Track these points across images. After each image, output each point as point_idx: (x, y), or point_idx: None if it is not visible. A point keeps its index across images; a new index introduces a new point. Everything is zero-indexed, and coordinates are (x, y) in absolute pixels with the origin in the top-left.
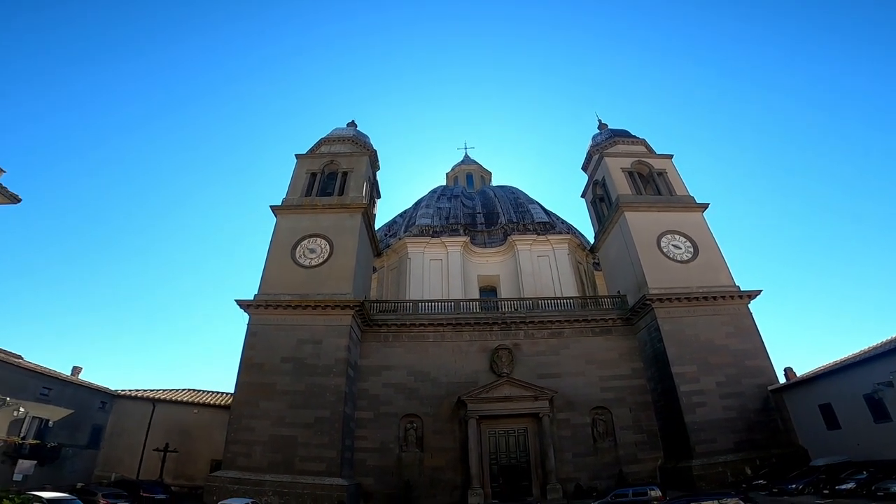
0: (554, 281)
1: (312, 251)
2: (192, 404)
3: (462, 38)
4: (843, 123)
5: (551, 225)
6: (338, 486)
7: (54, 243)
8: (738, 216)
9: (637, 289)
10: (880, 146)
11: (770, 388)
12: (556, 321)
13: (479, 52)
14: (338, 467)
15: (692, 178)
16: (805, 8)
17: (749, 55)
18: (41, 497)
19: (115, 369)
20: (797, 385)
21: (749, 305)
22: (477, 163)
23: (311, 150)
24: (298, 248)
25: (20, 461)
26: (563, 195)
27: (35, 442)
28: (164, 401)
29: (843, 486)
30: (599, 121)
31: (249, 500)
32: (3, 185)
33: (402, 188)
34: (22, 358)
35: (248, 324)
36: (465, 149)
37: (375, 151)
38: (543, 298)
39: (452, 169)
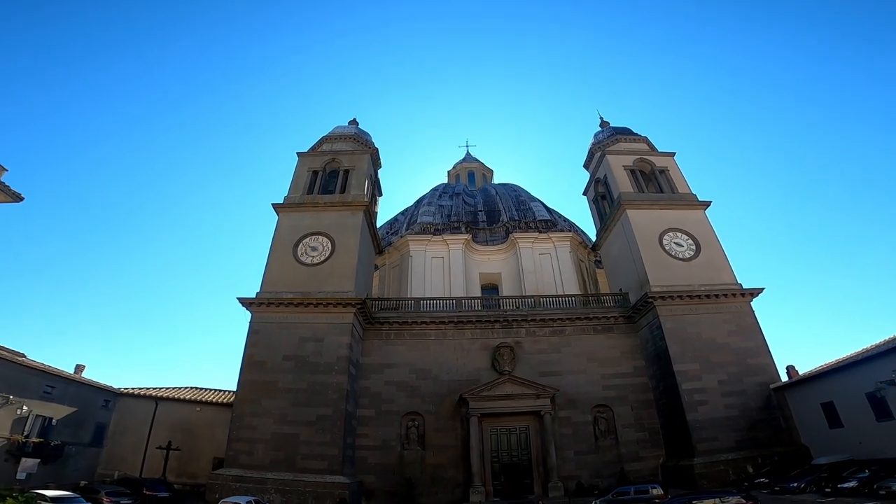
0: (556, 279)
1: (314, 249)
2: (195, 402)
3: (463, 35)
4: (845, 121)
5: (553, 223)
6: (339, 484)
7: (57, 241)
8: (740, 214)
9: (639, 286)
10: (883, 144)
11: (772, 386)
12: (558, 319)
13: (481, 49)
14: (339, 465)
15: (694, 175)
16: (806, 6)
17: (750, 53)
18: (45, 495)
19: (118, 367)
20: (799, 383)
21: (751, 303)
22: (478, 160)
23: (313, 148)
24: (300, 246)
25: (23, 459)
26: (565, 193)
27: (38, 440)
28: (167, 399)
29: (846, 485)
30: (601, 118)
31: (252, 498)
32: (6, 183)
33: (403, 186)
34: (25, 356)
35: (250, 322)
36: (467, 146)
37: (377, 149)
38: (545, 296)
39: (454, 167)
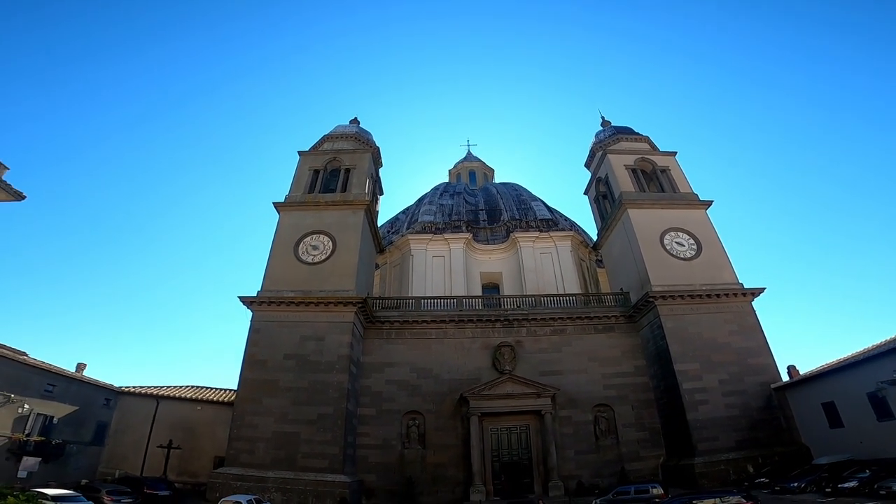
0: (556, 278)
1: (315, 248)
2: (196, 401)
3: (464, 34)
4: (846, 121)
5: (554, 222)
6: (340, 483)
7: (58, 240)
8: (741, 213)
9: (640, 286)
10: (884, 144)
11: (773, 386)
12: (559, 318)
13: (482, 48)
14: (340, 464)
15: (696, 175)
16: (808, 6)
17: (752, 53)
18: (46, 494)
19: (119, 366)
20: (800, 383)
21: (752, 303)
22: (480, 160)
23: (314, 147)
24: (301, 245)
25: (25, 458)
26: (566, 192)
27: (40, 439)
28: (168, 397)
29: (846, 485)
30: (603, 118)
31: (252, 497)
32: (7, 182)
33: (404, 185)
34: (26, 355)
35: (251, 320)
36: (468, 146)
37: (378, 148)
38: (546, 295)
39: (455, 166)
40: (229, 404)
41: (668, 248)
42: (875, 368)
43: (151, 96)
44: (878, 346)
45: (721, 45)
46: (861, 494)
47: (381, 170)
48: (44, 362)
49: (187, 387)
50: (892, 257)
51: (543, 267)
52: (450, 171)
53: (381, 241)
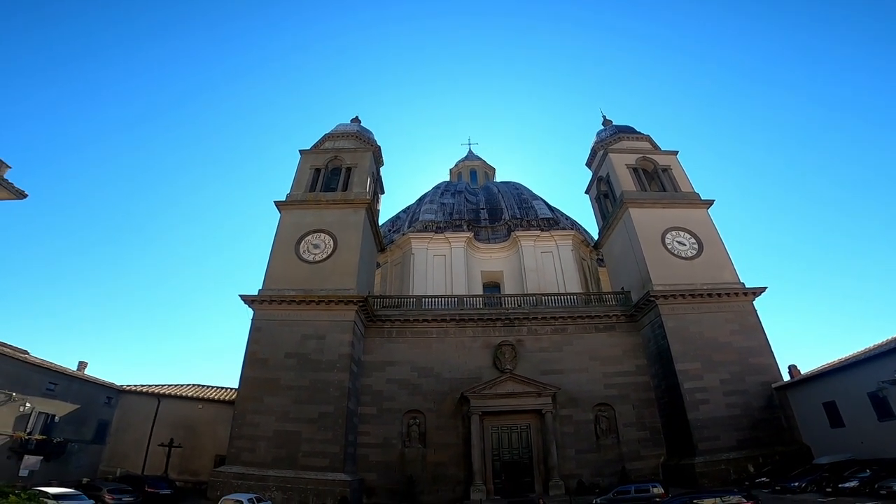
0: (557, 277)
1: (316, 246)
2: (197, 399)
3: (465, 33)
4: (848, 120)
5: (555, 221)
6: (341, 482)
7: (59, 239)
8: (742, 213)
9: (641, 285)
10: (885, 143)
11: (774, 385)
12: (560, 317)
13: (483, 47)
14: (341, 463)
15: (697, 174)
16: (808, 5)
17: (754, 52)
18: (47, 492)
19: (121, 365)
20: (801, 383)
21: (753, 302)
22: (481, 159)
23: (315, 146)
24: (302, 244)
25: (26, 456)
26: (567, 192)
27: (41, 437)
28: (169, 396)
29: (847, 485)
30: (604, 117)
31: (253, 496)
32: (9, 180)
33: (405, 184)
34: (28, 353)
35: (252, 319)
36: (469, 145)
37: (379, 147)
38: (547, 294)
39: (456, 165)
40: (230, 403)
41: (669, 247)
42: (876, 368)
43: (152, 95)
44: (879, 346)
45: (722, 44)
46: (862, 494)
47: (382, 169)
48: (45, 361)
49: (188, 385)
50: (892, 257)
51: (544, 266)
52: (451, 170)
53: (383, 239)
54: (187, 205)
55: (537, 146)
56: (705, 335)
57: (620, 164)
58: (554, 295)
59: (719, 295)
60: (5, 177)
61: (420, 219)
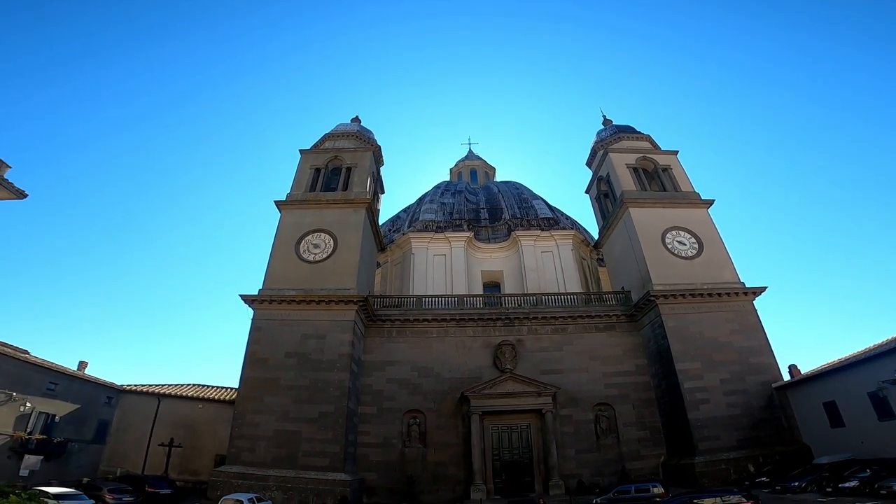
0: (558, 277)
1: (317, 246)
2: (197, 399)
3: (465, 33)
4: (848, 120)
5: (555, 220)
6: (341, 482)
7: (60, 238)
8: (743, 213)
9: (641, 285)
10: (886, 143)
11: (774, 385)
12: (560, 317)
13: (483, 47)
14: (341, 462)
15: (697, 174)
16: (809, 5)
17: (754, 51)
18: (48, 492)
19: (121, 364)
20: (801, 382)
21: (754, 302)
22: (481, 158)
23: (316, 146)
24: (303, 244)
25: (26, 456)
26: (567, 191)
27: (41, 437)
28: (170, 396)
29: (847, 485)
30: (604, 116)
31: (253, 495)
32: (9, 180)
33: (405, 184)
34: (28, 353)
35: (252, 319)
36: (469, 144)
37: (379, 147)
38: (547, 294)
39: (456, 164)
40: (230, 402)
41: (669, 247)
42: (876, 368)
43: (152, 95)
44: (880, 346)
45: (722, 44)
46: (862, 494)
47: (382, 168)
48: (45, 360)
49: (188, 385)
50: (892, 257)
51: (544, 266)
52: (451, 169)
53: (383, 239)
54: (187, 205)
55: (537, 146)
56: (705, 335)
57: (620, 163)
58: (554, 295)
59: (719, 295)
60: (5, 176)
61: (420, 218)
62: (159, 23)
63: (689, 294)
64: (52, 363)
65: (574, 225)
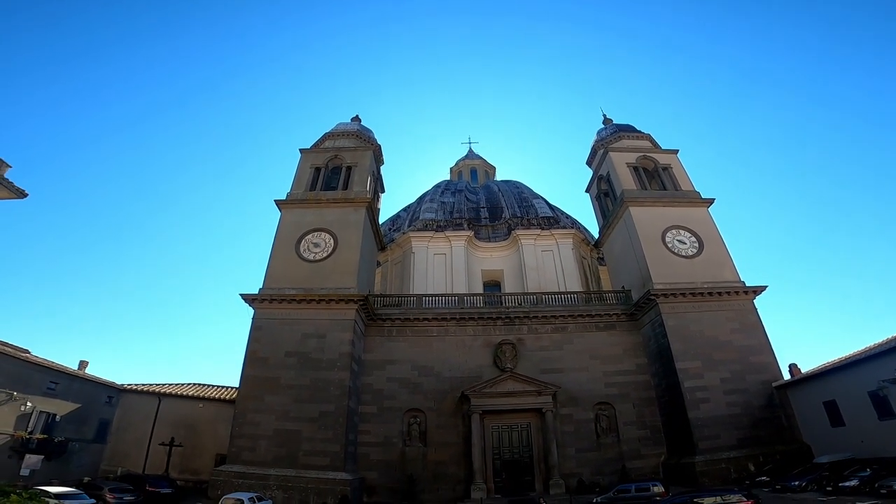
0: (558, 276)
1: (317, 245)
2: (198, 399)
3: (466, 31)
4: (848, 119)
5: (555, 220)
6: (341, 481)
7: (60, 238)
8: (743, 212)
9: (641, 284)
10: (886, 142)
11: (774, 384)
12: (560, 316)
13: (483, 46)
14: (341, 461)
15: (698, 173)
16: (809, 4)
17: (754, 50)
18: (49, 492)
19: (122, 364)
20: (802, 382)
21: (754, 301)
22: (481, 157)
23: (316, 145)
24: (303, 243)
25: (27, 456)
26: (568, 190)
27: (42, 436)
28: (170, 395)
29: (847, 484)
30: (604, 115)
31: (254, 495)
32: (9, 179)
33: (406, 183)
34: (29, 352)
35: (252, 318)
36: (469, 143)
37: (379, 146)
38: (547, 293)
39: (456, 164)
40: (231, 402)
41: (669, 245)
42: (876, 367)
43: (152, 94)
44: (880, 345)
45: (722, 44)
46: (862, 493)
47: (382, 167)
48: (46, 360)
49: (189, 384)
50: (893, 256)
51: (545, 265)
52: (451, 168)
53: (383, 238)
54: (188, 204)
55: (538, 145)
56: (706, 334)
57: (621, 162)
58: (554, 294)
59: (720, 293)
60: (6, 176)
61: (420, 217)
62: (159, 21)
63: (690, 293)
64: (53, 362)
65: (574, 224)
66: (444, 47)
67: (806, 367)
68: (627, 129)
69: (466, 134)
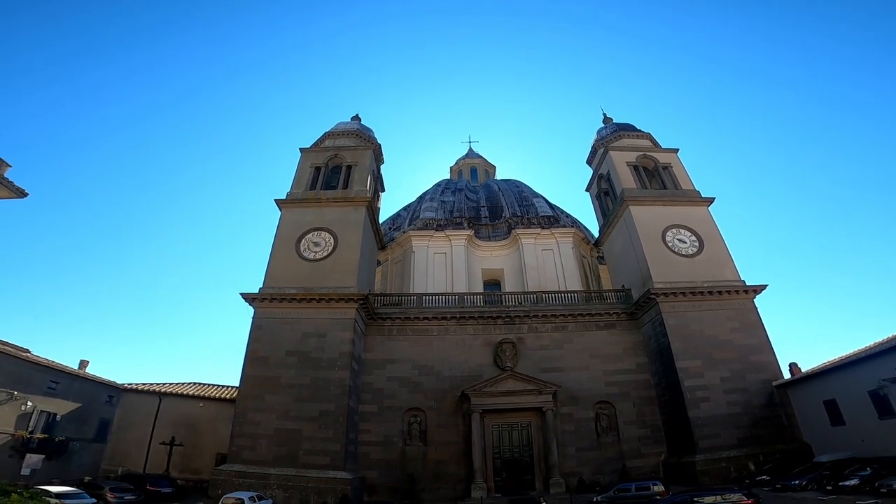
0: (558, 275)
1: (317, 245)
2: (198, 398)
3: (466, 31)
4: (848, 118)
5: (555, 219)
6: (342, 480)
7: (60, 237)
8: (743, 211)
9: (642, 283)
10: (886, 140)
11: (774, 383)
12: (561, 315)
13: (483, 45)
14: (342, 461)
15: (698, 172)
16: (809, 3)
17: (754, 50)
18: (49, 491)
19: (122, 363)
20: (802, 381)
21: (754, 300)
22: (481, 156)
23: (316, 144)
24: (303, 242)
25: (28, 455)
26: (568, 189)
27: (43, 436)
28: (171, 394)
29: (847, 483)
30: (604, 115)
31: (254, 494)
32: (10, 179)
33: (406, 182)
34: (29, 352)
35: (253, 317)
36: (470, 142)
37: (380, 145)
38: (547, 292)
39: (457, 163)
40: (231, 401)
41: (669, 244)
42: (877, 366)
43: (153, 93)
44: (880, 344)
45: (723, 42)
46: (862, 492)
47: (382, 167)
48: (46, 359)
49: (189, 384)
50: (893, 255)
51: (545, 264)
52: (451, 167)
53: (383, 237)
54: (188, 203)
55: (538, 144)
56: (706, 333)
57: (621, 161)
58: (554, 293)
59: (720, 292)
60: (6, 175)
61: (421, 216)
62: (159, 21)
63: (690, 292)
64: (53, 362)
65: (574, 223)
66: (444, 46)
67: (806, 367)
68: (627, 128)
69: (466, 133)
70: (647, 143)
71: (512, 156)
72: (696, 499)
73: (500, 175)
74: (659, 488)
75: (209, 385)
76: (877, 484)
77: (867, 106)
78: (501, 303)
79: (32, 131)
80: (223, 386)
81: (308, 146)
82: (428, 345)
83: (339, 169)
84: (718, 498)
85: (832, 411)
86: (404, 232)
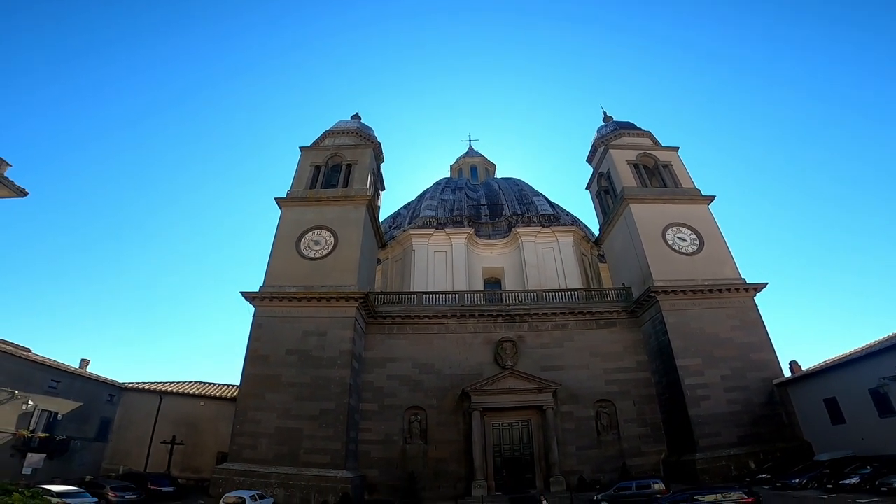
0: (558, 273)
1: (317, 243)
2: (199, 397)
3: (466, 29)
4: (849, 116)
5: (556, 217)
6: (342, 478)
7: (61, 236)
8: (743, 209)
9: (642, 281)
10: (886, 139)
11: (775, 381)
12: (561, 313)
13: (484, 44)
14: (342, 459)
15: (698, 170)
16: (810, 2)
17: (755, 48)
18: (50, 490)
19: (123, 362)
20: (802, 379)
21: (754, 298)
22: (481, 155)
23: (316, 143)
24: (303, 241)
25: (29, 454)
26: (568, 187)
27: (44, 435)
28: (171, 393)
29: (847, 481)
30: (605, 113)
31: (255, 493)
32: (10, 178)
33: (406, 180)
34: (30, 351)
35: (253, 316)
36: (470, 141)
37: (380, 144)
38: (548, 290)
39: (457, 161)
40: (232, 400)
41: (670, 243)
42: (877, 364)
43: (153, 92)
44: (881, 342)
45: (723, 41)
46: (862, 491)
47: (382, 165)
48: (47, 358)
49: (190, 382)
50: (893, 253)
51: (545, 262)
52: (451, 166)
53: (383, 236)
54: (188, 202)
55: (538, 142)
56: (706, 331)
57: (621, 160)
58: (555, 291)
59: (720, 291)
60: (6, 175)
61: (421, 215)
62: (159, 20)
63: (690, 290)
64: (54, 361)
65: (575, 221)
66: (444, 45)
67: (806, 365)
68: (628, 127)
69: (467, 131)
70: (647, 141)
71: (512, 154)
72: (696, 497)
73: (500, 173)
74: (659, 486)
75: (210, 384)
76: (877, 482)
77: (867, 104)
78: (502, 301)
79: (32, 130)
80: (224, 385)
81: (308, 145)
82: (428, 343)
83: (339, 167)
84: (719, 496)
85: (832, 410)
86: (404, 230)
